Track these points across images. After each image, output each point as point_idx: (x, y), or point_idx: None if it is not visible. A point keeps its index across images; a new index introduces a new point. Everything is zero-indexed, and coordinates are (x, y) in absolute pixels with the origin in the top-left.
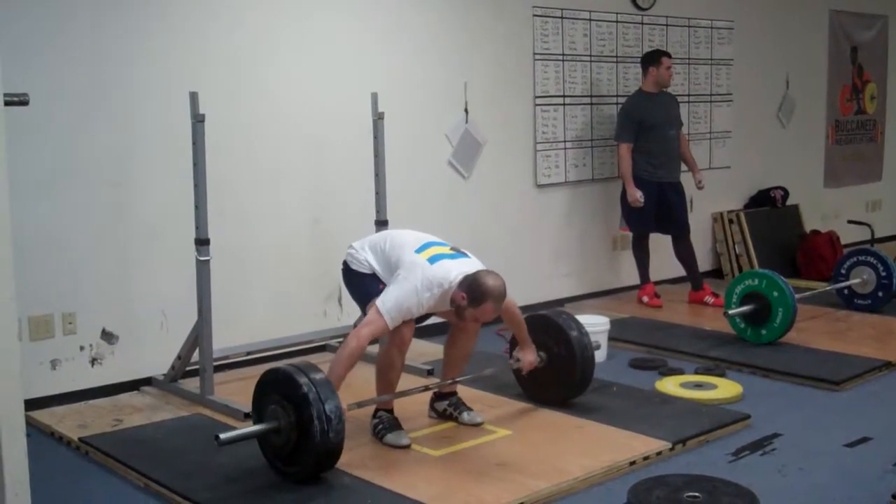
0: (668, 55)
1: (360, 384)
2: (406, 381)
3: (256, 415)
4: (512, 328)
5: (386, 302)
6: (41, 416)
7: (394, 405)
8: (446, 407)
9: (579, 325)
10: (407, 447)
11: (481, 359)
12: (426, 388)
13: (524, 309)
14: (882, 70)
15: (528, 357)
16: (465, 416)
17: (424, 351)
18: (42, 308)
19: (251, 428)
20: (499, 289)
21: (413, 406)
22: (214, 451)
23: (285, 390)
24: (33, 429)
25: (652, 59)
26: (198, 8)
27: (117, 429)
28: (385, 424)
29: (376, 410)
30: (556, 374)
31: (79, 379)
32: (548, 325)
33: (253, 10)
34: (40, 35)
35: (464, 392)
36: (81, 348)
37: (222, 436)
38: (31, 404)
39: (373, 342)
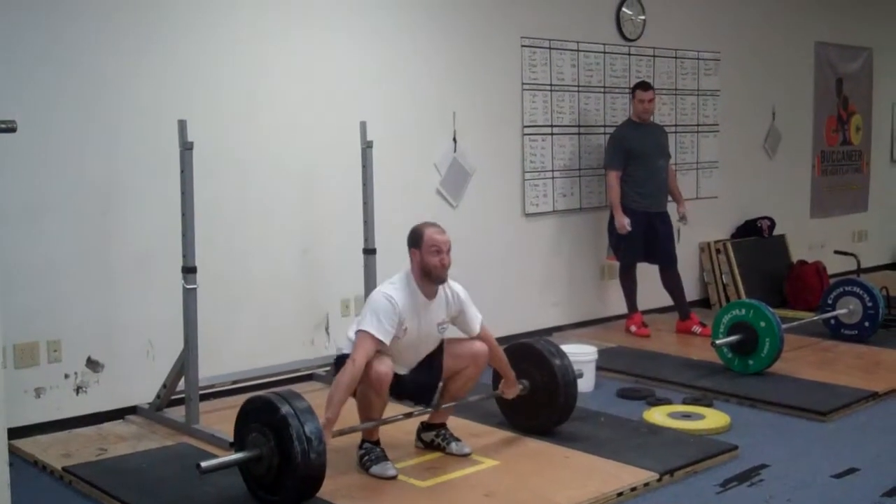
0: (644, 87)
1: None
2: (393, 411)
3: (238, 444)
4: (493, 363)
5: (362, 321)
6: (25, 444)
7: (379, 435)
8: (434, 437)
9: (561, 353)
10: (393, 478)
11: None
12: (407, 416)
13: (513, 338)
14: (867, 101)
15: (511, 390)
16: (454, 446)
17: None
18: (27, 336)
19: (233, 456)
20: (427, 222)
21: (399, 435)
22: (199, 481)
23: (265, 417)
24: (17, 457)
25: (632, 90)
26: (187, 37)
27: (102, 458)
28: (371, 455)
29: (362, 441)
30: (540, 402)
31: (63, 407)
32: (529, 353)
33: (242, 40)
34: (28, 62)
35: (450, 421)
36: (66, 376)
37: (204, 464)
38: (15, 433)
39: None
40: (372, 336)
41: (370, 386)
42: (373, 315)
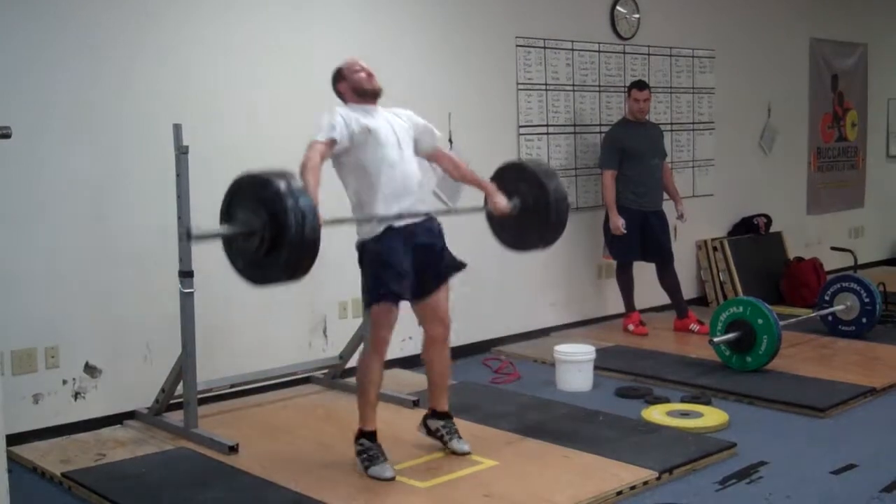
0: (640, 87)
1: (343, 414)
2: (391, 413)
3: (228, 220)
4: (462, 179)
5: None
6: (23, 451)
7: (377, 429)
8: (440, 427)
9: (552, 173)
10: (391, 479)
11: (467, 388)
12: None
13: (511, 338)
14: (862, 97)
15: (499, 200)
16: (455, 443)
17: (409, 381)
18: (25, 342)
19: (226, 228)
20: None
21: (400, 436)
22: (199, 486)
23: (257, 192)
24: (15, 464)
25: (628, 90)
26: (182, 40)
27: (100, 463)
28: (370, 454)
29: (359, 435)
30: (531, 220)
31: (62, 413)
32: (520, 171)
33: (237, 43)
34: (23, 68)
35: None
36: (64, 382)
37: (195, 231)
38: (13, 439)
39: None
40: (318, 141)
41: (374, 346)
42: (316, 128)
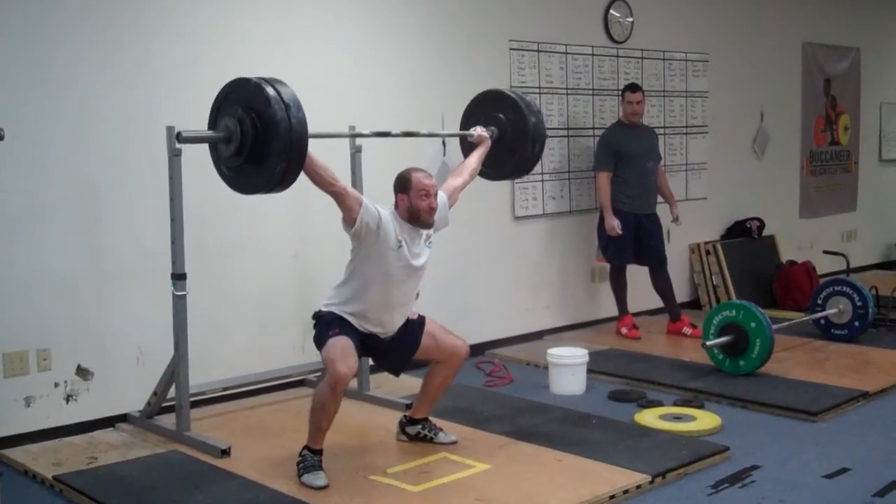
0: (633, 89)
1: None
2: (385, 416)
3: (216, 125)
4: (467, 162)
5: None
6: (15, 453)
7: (323, 443)
8: (419, 430)
9: (531, 105)
10: (323, 488)
11: (460, 391)
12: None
13: (506, 341)
14: (855, 101)
15: (479, 130)
16: (441, 435)
17: (402, 385)
18: (16, 344)
19: (214, 132)
20: (413, 167)
21: (392, 441)
22: (191, 490)
23: (241, 97)
24: (7, 467)
25: (621, 92)
26: (176, 44)
27: (92, 466)
28: (306, 463)
29: (303, 448)
30: (509, 147)
31: (53, 416)
32: (500, 99)
33: (231, 45)
34: (16, 70)
35: (441, 425)
36: (56, 385)
37: (184, 133)
38: (5, 442)
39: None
40: (352, 190)
41: (328, 383)
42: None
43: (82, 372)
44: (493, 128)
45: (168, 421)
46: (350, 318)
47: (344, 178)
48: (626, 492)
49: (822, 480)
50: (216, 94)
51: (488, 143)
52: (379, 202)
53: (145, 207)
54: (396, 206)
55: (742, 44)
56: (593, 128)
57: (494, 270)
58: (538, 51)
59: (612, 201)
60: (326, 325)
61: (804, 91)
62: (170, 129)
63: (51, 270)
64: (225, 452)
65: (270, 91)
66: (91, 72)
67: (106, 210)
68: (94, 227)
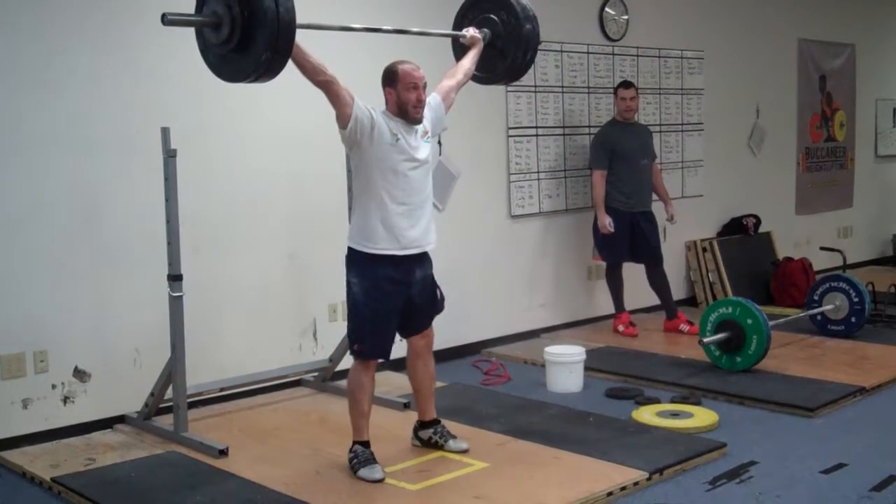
0: (626, 86)
1: (333, 417)
2: (382, 416)
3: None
4: (460, 63)
5: None
6: (12, 455)
7: (370, 438)
8: (431, 435)
9: (527, 7)
10: (380, 481)
11: (458, 390)
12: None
13: (498, 340)
14: (850, 98)
15: (471, 31)
16: (451, 443)
17: (400, 384)
18: (13, 346)
19: (199, 16)
20: (401, 60)
21: (391, 440)
22: (189, 490)
23: None
24: (4, 469)
25: (615, 90)
26: (173, 45)
27: (90, 468)
28: (359, 458)
29: (353, 444)
30: (501, 50)
31: (51, 418)
32: (497, 1)
33: None
34: (13, 71)
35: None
36: (53, 387)
37: (168, 15)
38: (2, 444)
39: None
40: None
41: (361, 367)
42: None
43: (79, 373)
44: (485, 30)
45: (166, 422)
46: (380, 250)
47: (340, 178)
48: (623, 489)
49: (819, 476)
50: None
51: (480, 45)
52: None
53: (141, 208)
54: (386, 102)
55: (737, 41)
56: (589, 126)
57: (491, 269)
58: None
59: (608, 199)
60: (357, 328)
61: (800, 88)
62: (165, 130)
63: (47, 272)
64: (223, 453)
65: None
66: (87, 73)
67: (102, 211)
68: (90, 229)
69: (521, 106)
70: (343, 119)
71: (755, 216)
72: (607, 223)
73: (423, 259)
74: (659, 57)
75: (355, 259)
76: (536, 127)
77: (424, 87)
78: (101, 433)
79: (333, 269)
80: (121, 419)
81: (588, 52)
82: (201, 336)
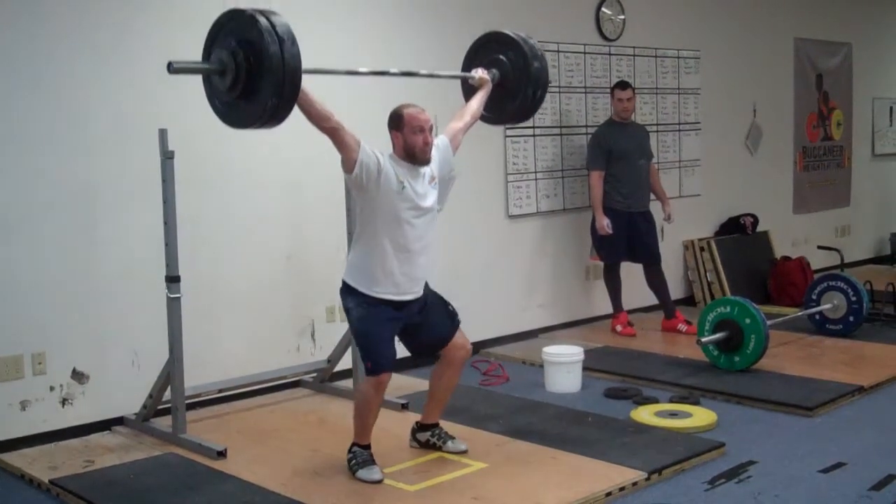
0: (623, 87)
1: (332, 418)
2: (381, 416)
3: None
4: (468, 105)
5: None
6: (10, 458)
7: (371, 440)
8: (429, 437)
9: (535, 48)
10: (379, 482)
11: (456, 391)
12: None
13: (496, 340)
14: (847, 97)
15: (480, 72)
16: (450, 444)
17: (399, 384)
18: (11, 348)
19: (207, 63)
20: (406, 103)
21: (389, 441)
22: (188, 492)
23: (235, 30)
24: (3, 471)
25: (611, 90)
26: (171, 46)
27: (89, 470)
28: (358, 459)
29: (352, 445)
30: (511, 90)
31: (49, 420)
32: (503, 40)
33: None
34: (10, 72)
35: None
36: (52, 389)
37: (175, 63)
38: (1, 446)
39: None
40: (354, 139)
41: (372, 384)
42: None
43: (78, 375)
44: (494, 70)
45: (164, 423)
46: (377, 294)
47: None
48: (622, 489)
49: (818, 475)
50: (211, 25)
51: (489, 86)
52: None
53: (139, 210)
54: (393, 146)
55: (734, 40)
56: (586, 126)
57: (488, 269)
58: None
59: (606, 200)
60: (364, 347)
61: (796, 87)
62: (162, 131)
63: (45, 274)
64: (221, 454)
65: (264, 23)
66: (84, 74)
67: (100, 213)
68: (87, 230)
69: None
70: (349, 164)
71: (753, 215)
72: (605, 224)
73: (420, 297)
74: (655, 57)
75: (351, 291)
76: (534, 127)
77: (431, 129)
78: (99, 435)
79: (331, 270)
80: (119, 421)
81: (585, 52)
82: (199, 337)
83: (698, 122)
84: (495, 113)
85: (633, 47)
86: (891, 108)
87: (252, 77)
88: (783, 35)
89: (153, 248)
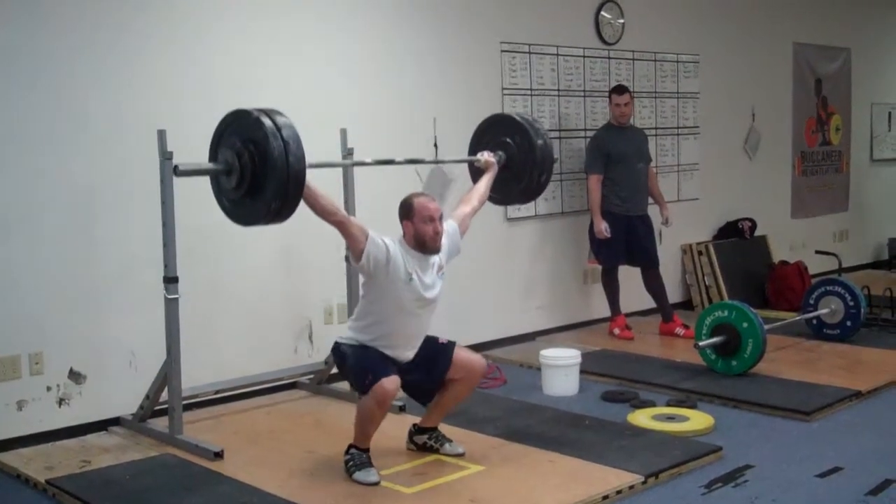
0: (620, 91)
1: (329, 419)
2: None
3: (215, 158)
4: (476, 188)
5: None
6: (7, 457)
7: (370, 443)
8: (426, 440)
9: (539, 130)
10: (376, 484)
11: None
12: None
13: (494, 343)
14: (846, 101)
15: (486, 155)
16: (447, 447)
17: None
18: (8, 348)
19: (212, 164)
20: (416, 192)
21: (386, 443)
22: (184, 492)
23: (240, 130)
24: None
25: (609, 95)
26: (169, 46)
27: (85, 470)
28: (356, 461)
29: (350, 447)
30: (517, 172)
31: (46, 420)
32: (507, 123)
33: (224, 47)
34: (8, 73)
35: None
36: (48, 389)
37: (181, 166)
38: None
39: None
40: (356, 221)
41: (375, 400)
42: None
43: (75, 375)
44: (500, 153)
45: (161, 424)
46: (371, 345)
47: (335, 180)
48: (619, 492)
49: (814, 479)
50: (217, 124)
51: (495, 169)
52: (380, 231)
53: (137, 211)
54: (403, 234)
55: (733, 45)
56: (585, 129)
57: (487, 272)
58: (529, 52)
59: (604, 203)
60: (357, 372)
61: (795, 91)
62: (161, 132)
63: (43, 274)
64: (218, 455)
65: (269, 125)
66: (83, 75)
67: (98, 213)
68: (86, 231)
69: (517, 109)
70: (356, 254)
71: (751, 220)
72: (603, 228)
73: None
74: (655, 61)
75: (345, 347)
76: None
77: (441, 218)
78: (96, 435)
79: (330, 271)
80: (116, 421)
81: (584, 56)
82: (197, 338)
83: (697, 126)
84: (502, 194)
85: (633, 51)
86: (889, 114)
87: (257, 177)
88: (782, 39)
89: (151, 249)
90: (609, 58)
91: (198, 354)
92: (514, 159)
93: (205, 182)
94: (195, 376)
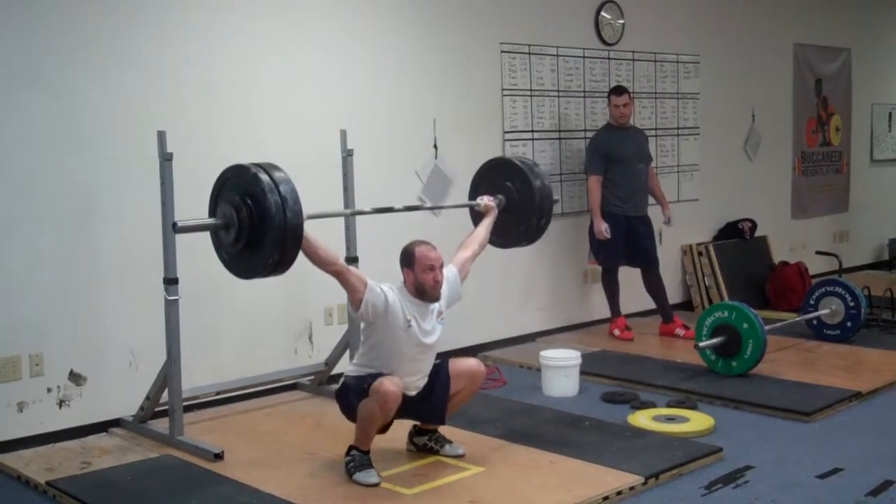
0: (618, 92)
1: (329, 421)
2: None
3: (214, 214)
4: (476, 233)
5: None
6: (7, 459)
7: (370, 445)
8: (426, 441)
9: (539, 173)
10: (376, 485)
11: None
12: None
13: (494, 344)
14: (846, 102)
15: (486, 199)
16: (447, 448)
17: None
18: (8, 349)
19: (210, 220)
20: (417, 241)
21: (386, 444)
22: (185, 494)
23: (239, 185)
24: None
25: (607, 96)
26: (168, 46)
27: (86, 471)
28: (356, 462)
29: (350, 448)
30: (517, 215)
31: (46, 421)
32: (506, 168)
33: (223, 47)
34: (6, 73)
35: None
36: (49, 390)
37: (180, 223)
38: None
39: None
40: (355, 271)
41: (377, 401)
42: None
43: (75, 377)
44: (500, 196)
45: (161, 425)
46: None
47: (335, 181)
48: (619, 493)
49: (815, 480)
50: (216, 179)
51: (495, 212)
52: (377, 267)
53: (137, 212)
54: (404, 281)
55: (733, 45)
56: (585, 130)
57: (486, 272)
58: (529, 53)
59: (604, 204)
60: (357, 389)
61: (795, 92)
62: (161, 133)
63: (43, 275)
64: (218, 456)
65: (266, 181)
66: (82, 75)
67: (97, 214)
68: (85, 232)
69: (517, 110)
70: (355, 304)
71: (751, 220)
72: (603, 229)
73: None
74: (655, 61)
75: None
76: (532, 131)
77: (441, 266)
78: (96, 437)
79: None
80: (116, 423)
81: (584, 57)
82: (197, 339)
83: (697, 127)
84: (502, 237)
85: (633, 52)
86: (889, 114)
87: (255, 232)
88: (782, 40)
89: (151, 250)
90: (609, 58)
91: (198, 355)
92: (513, 202)
93: (204, 182)
94: (195, 377)
